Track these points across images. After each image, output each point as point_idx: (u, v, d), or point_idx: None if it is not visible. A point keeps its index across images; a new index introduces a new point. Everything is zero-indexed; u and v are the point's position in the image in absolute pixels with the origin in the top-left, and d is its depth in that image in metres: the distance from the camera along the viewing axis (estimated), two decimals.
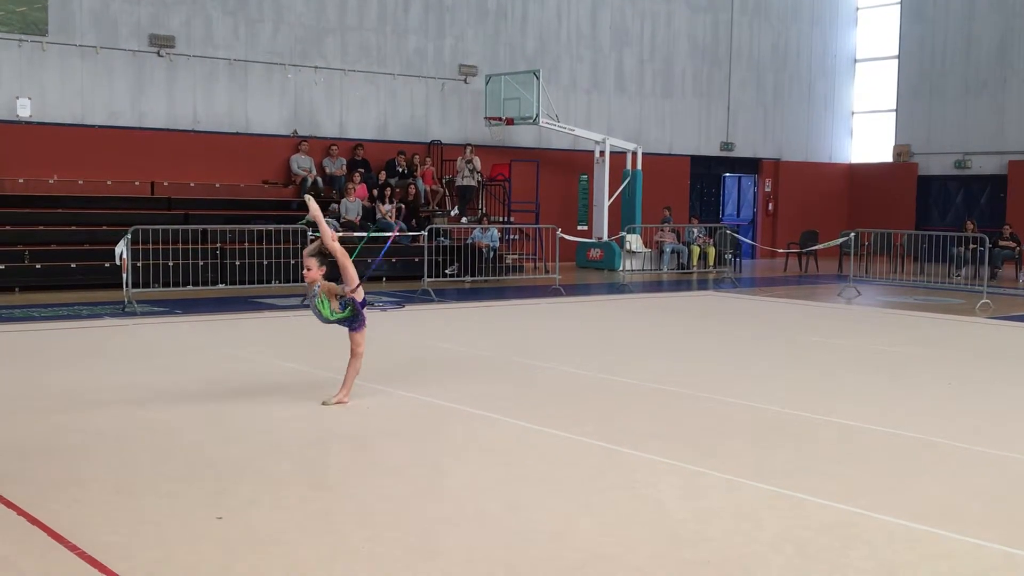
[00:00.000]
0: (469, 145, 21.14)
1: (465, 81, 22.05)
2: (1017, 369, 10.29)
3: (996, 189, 26.12)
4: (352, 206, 18.66)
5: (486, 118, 21.53)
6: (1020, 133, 25.60)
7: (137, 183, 18.06)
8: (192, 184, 18.59)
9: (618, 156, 22.82)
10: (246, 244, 16.24)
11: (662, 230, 22.43)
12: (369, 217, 18.91)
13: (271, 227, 16.35)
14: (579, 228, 22.82)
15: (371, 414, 7.52)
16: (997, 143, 26.02)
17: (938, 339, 12.43)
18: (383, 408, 7.74)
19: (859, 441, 7.00)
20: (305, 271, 7.54)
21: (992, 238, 19.44)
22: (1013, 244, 21.50)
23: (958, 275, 19.87)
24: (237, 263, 15.99)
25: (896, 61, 28.06)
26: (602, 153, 22.40)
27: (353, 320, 7.58)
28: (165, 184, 18.29)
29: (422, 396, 8.11)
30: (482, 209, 21.07)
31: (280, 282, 15.70)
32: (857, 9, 28.86)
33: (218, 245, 16.35)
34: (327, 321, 7.61)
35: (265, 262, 15.96)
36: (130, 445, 6.57)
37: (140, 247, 14.28)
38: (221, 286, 15.62)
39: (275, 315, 13.31)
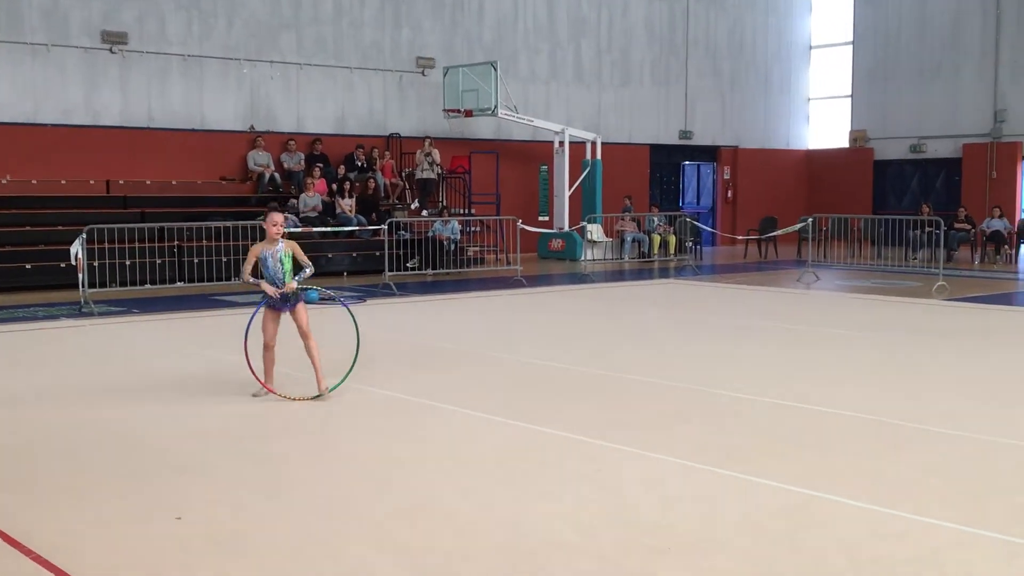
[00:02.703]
0: (428, 138, 21.08)
1: (423, 73, 21.97)
2: (971, 349, 10.43)
3: (951, 172, 26.43)
4: (311, 201, 18.55)
5: (445, 110, 21.47)
6: (974, 116, 25.92)
7: (92, 182, 17.83)
8: (148, 182, 18.39)
9: (577, 146, 22.85)
10: (204, 241, 16.09)
11: (623, 219, 22.49)
12: (329, 212, 18.80)
13: (229, 224, 16.20)
14: (540, 219, 22.81)
15: (330, 409, 7.49)
16: (951, 127, 26.32)
17: (895, 322, 12.58)
18: (342, 402, 7.72)
19: (815, 423, 7.07)
20: (272, 226, 7.81)
21: (947, 221, 19.67)
22: (968, 226, 21.79)
23: (915, 258, 20.11)
24: (195, 260, 15.84)
25: (851, 47, 28.29)
26: (561, 143, 22.42)
27: (302, 294, 7.90)
28: (120, 182, 18.08)
29: (382, 390, 8.10)
30: (442, 202, 21.02)
31: (240, 279, 15.55)
32: None
33: (175, 243, 16.20)
34: (281, 283, 7.76)
35: (224, 259, 15.82)
36: (86, 445, 6.50)
37: (96, 246, 14.11)
38: (179, 284, 15.47)
39: (235, 312, 13.20)
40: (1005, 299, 15.13)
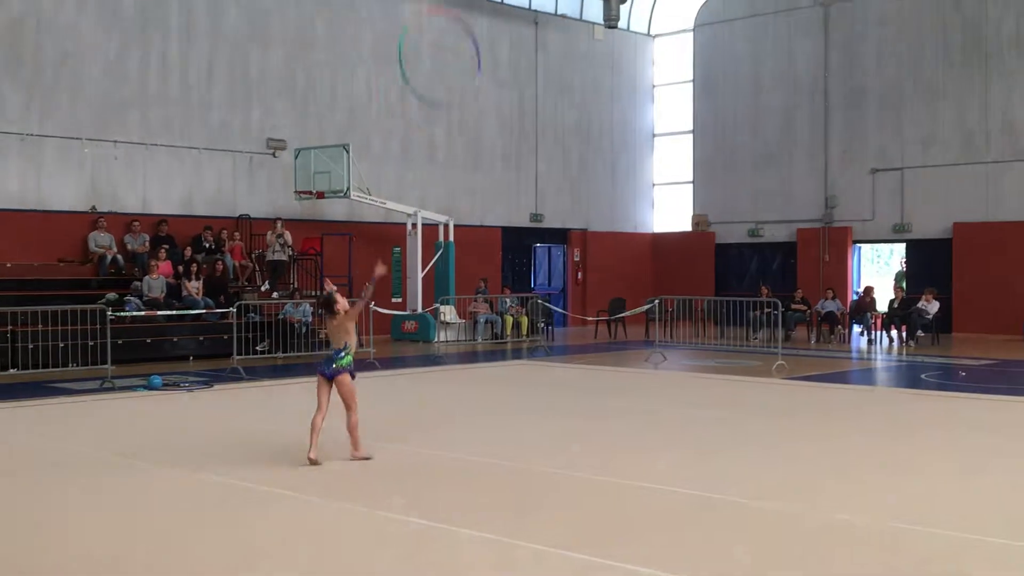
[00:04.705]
0: (279, 219, 20.85)
1: (274, 155, 21.81)
2: (808, 426, 10.84)
3: (787, 256, 27.68)
4: (155, 283, 18.03)
5: (296, 192, 21.32)
6: (805, 202, 27.31)
7: None
8: None
9: (431, 228, 22.99)
10: (40, 326, 15.40)
11: (476, 300, 22.65)
12: (174, 294, 18.31)
13: (67, 307, 15.57)
14: (393, 300, 22.74)
15: (176, 500, 7.21)
16: (786, 212, 27.65)
17: (737, 400, 12.97)
18: (189, 493, 7.44)
19: (662, 503, 7.19)
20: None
21: (785, 302, 20.54)
22: (804, 307, 22.80)
23: (755, 338, 20.87)
24: (31, 346, 15.15)
25: (691, 136, 29.55)
26: (414, 225, 22.52)
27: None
28: None
29: (231, 479, 7.85)
30: (293, 284, 20.75)
31: (78, 365, 14.94)
32: (653, 87, 30.30)
33: (8, 328, 15.45)
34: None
35: (61, 344, 15.17)
36: None
37: None
38: (12, 371, 14.73)
39: (72, 400, 12.63)
40: (840, 377, 15.84)
